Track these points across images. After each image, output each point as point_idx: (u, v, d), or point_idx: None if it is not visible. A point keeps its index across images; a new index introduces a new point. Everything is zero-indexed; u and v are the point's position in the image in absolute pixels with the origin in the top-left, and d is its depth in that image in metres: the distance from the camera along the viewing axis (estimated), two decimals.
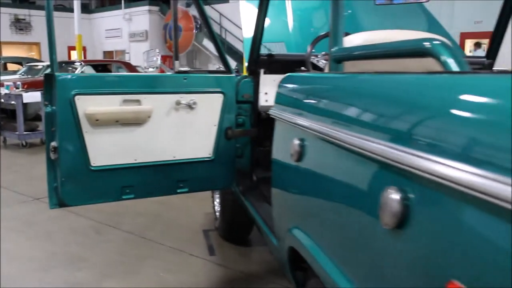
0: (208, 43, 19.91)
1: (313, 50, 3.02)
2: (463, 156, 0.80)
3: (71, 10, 19.33)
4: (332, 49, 1.86)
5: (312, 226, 1.61)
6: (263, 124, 3.09)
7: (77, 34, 17.31)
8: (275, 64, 3.23)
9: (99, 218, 4.67)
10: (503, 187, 0.69)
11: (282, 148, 1.94)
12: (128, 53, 23.13)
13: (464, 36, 15.44)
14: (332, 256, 1.39)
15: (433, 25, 4.24)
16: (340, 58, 1.82)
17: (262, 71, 3.18)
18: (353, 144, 1.20)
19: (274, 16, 4.04)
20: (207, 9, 20.91)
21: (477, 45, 13.71)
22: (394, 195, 0.98)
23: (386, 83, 1.23)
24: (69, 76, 2.69)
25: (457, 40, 15.41)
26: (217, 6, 20.40)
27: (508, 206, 0.68)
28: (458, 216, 0.83)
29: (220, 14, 20.21)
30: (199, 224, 4.55)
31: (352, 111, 1.34)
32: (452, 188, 0.80)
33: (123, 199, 2.86)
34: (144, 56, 4.32)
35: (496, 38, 3.29)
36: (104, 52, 25.19)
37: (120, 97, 2.73)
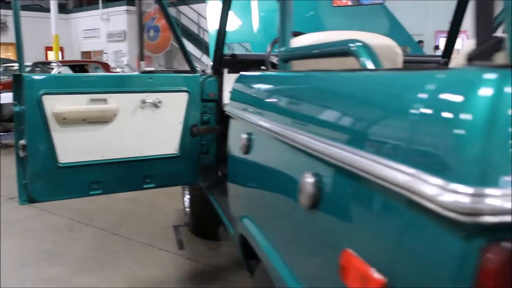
0: (186, 43, 19.90)
1: (276, 50, 3.14)
2: (361, 144, 0.93)
3: (48, 10, 19.23)
4: (280, 49, 1.99)
5: (256, 213, 1.74)
6: (227, 121, 3.21)
7: (54, 35, 17.23)
8: (239, 64, 3.35)
9: (73, 216, 4.75)
10: (389, 170, 0.81)
11: (235, 143, 2.07)
12: (106, 53, 23.08)
13: (439, 34, 15.77)
14: (271, 240, 1.52)
15: (394, 26, 4.41)
16: (286, 58, 1.95)
17: (226, 70, 3.30)
18: (280, 134, 1.33)
19: (240, 17, 4.16)
20: (185, 9, 20.96)
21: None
22: (309, 179, 1.11)
23: (308, 80, 1.37)
24: (36, 77, 2.78)
25: (432, 38, 15.74)
26: (195, 6, 20.46)
27: (391, 186, 0.80)
28: (355, 196, 0.96)
29: (198, 14, 20.28)
30: (170, 220, 4.66)
31: (282, 105, 1.48)
32: (350, 171, 0.93)
33: (91, 194, 2.95)
34: (112, 57, 4.42)
35: (451, 39, 3.45)
36: (82, 53, 25.09)
37: (87, 97, 2.83)
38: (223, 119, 3.30)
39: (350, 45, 1.37)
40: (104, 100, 2.88)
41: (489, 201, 0.63)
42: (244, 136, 1.83)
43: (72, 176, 2.86)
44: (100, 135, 2.90)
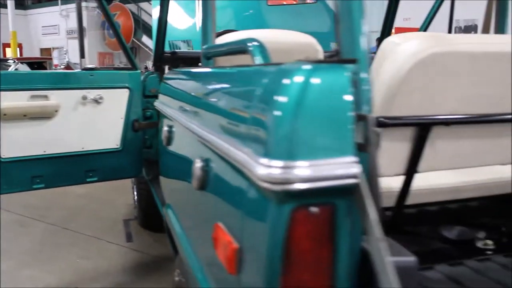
0: (147, 40, 19.90)
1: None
2: (226, 130, 1.07)
3: (5, 6, 18.89)
4: (202, 47, 2.12)
5: (173, 200, 1.88)
6: None
7: (11, 31, 16.97)
8: (179, 61, 3.47)
9: (23, 212, 4.79)
10: (237, 152, 0.95)
11: (161, 135, 2.19)
12: (66, 50, 22.77)
13: (398, 30, 16.24)
14: (181, 223, 1.65)
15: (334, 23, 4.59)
16: (207, 55, 2.08)
17: (167, 67, 3.41)
18: (184, 125, 1.47)
19: (187, 16, 4.28)
20: (146, 5, 20.82)
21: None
22: (198, 164, 1.25)
23: (198, 76, 1.51)
24: None
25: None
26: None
27: (238, 166, 0.94)
28: (223, 177, 1.10)
29: None
30: (121, 214, 4.75)
31: (186, 98, 1.61)
32: (219, 155, 1.07)
33: (34, 188, 3.03)
34: (55, 54, 4.48)
35: (383, 36, 3.66)
36: (41, 49, 24.66)
37: (28, 93, 2.90)
38: None
39: (248, 44, 1.51)
40: (45, 97, 2.95)
41: (296, 172, 0.77)
42: (166, 128, 1.96)
43: (15, 170, 2.93)
44: (42, 130, 2.98)
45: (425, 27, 3.54)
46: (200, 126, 1.25)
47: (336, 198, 0.81)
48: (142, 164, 3.36)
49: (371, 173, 0.85)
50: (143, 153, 3.38)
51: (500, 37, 1.67)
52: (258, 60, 1.43)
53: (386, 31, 3.64)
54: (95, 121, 3.13)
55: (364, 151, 0.82)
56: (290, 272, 0.81)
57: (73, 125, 3.06)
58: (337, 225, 0.81)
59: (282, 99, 0.81)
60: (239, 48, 1.62)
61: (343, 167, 0.78)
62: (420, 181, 1.51)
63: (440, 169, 1.57)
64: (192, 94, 1.51)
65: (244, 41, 1.55)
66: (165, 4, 3.22)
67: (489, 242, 1.63)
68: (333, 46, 4.30)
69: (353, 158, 0.79)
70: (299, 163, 0.78)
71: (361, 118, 0.82)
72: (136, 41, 20.70)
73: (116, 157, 3.23)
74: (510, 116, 1.42)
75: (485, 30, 2.79)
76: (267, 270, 0.82)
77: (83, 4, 22.34)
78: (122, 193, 5.24)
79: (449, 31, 4.09)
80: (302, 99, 0.79)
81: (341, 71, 0.83)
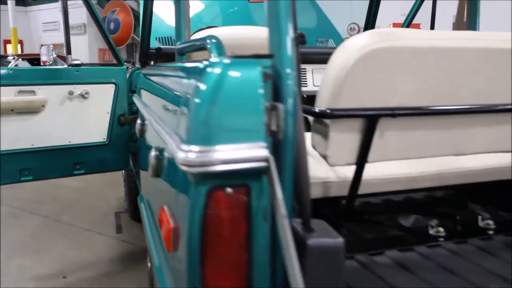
0: None
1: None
2: (169, 123, 1.16)
3: (6, 2, 18.96)
4: (176, 43, 2.21)
5: (143, 189, 1.98)
6: None
7: (12, 27, 17.06)
8: (164, 56, 3.55)
9: (17, 205, 4.91)
10: (171, 141, 1.04)
11: (136, 128, 2.29)
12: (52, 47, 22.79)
13: (396, 25, 16.36)
14: (146, 209, 1.75)
15: (321, 20, 4.68)
16: (179, 51, 2.17)
17: (152, 63, 3.49)
18: (147, 118, 1.56)
19: (169, 13, 4.35)
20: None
21: None
22: (153, 153, 1.34)
23: (162, 71, 1.60)
24: None
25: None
26: None
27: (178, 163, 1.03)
28: (169, 167, 1.20)
29: None
30: (112, 207, 4.87)
31: (149, 92, 1.71)
32: (168, 150, 1.16)
33: (22, 181, 3.13)
34: (43, 51, 4.57)
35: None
36: (42, 46, 24.71)
37: (15, 88, 3.00)
38: None
39: (207, 41, 1.60)
40: (33, 92, 3.05)
41: (211, 155, 0.87)
42: (139, 121, 2.06)
43: (3, 163, 3.03)
44: (30, 125, 3.07)
45: (407, 24, 3.62)
46: (154, 117, 1.34)
47: (250, 180, 0.90)
48: (128, 157, 3.46)
49: (298, 159, 0.94)
50: (130, 146, 3.47)
51: (452, 33, 1.74)
52: (214, 56, 1.52)
53: (368, 27, 3.72)
54: (82, 116, 3.22)
55: (277, 138, 0.91)
56: (209, 250, 0.90)
57: (60, 119, 3.15)
58: (252, 205, 0.91)
59: (201, 87, 0.90)
60: (200, 45, 1.71)
61: (254, 151, 0.87)
62: (374, 171, 1.59)
63: (394, 159, 1.64)
64: (151, 88, 1.61)
65: (204, 38, 1.63)
66: (149, 1, 3.30)
67: (441, 229, 1.71)
68: (318, 42, 4.39)
69: (263, 144, 0.88)
70: (214, 147, 0.87)
71: (274, 108, 0.91)
72: (136, 37, 20.74)
73: (103, 151, 3.33)
74: (454, 107, 1.50)
75: (458, 28, 2.87)
76: (188, 247, 0.91)
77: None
78: (114, 187, 5.35)
79: (432, 28, 4.15)
80: (218, 89, 0.88)
81: (255, 65, 0.92)
